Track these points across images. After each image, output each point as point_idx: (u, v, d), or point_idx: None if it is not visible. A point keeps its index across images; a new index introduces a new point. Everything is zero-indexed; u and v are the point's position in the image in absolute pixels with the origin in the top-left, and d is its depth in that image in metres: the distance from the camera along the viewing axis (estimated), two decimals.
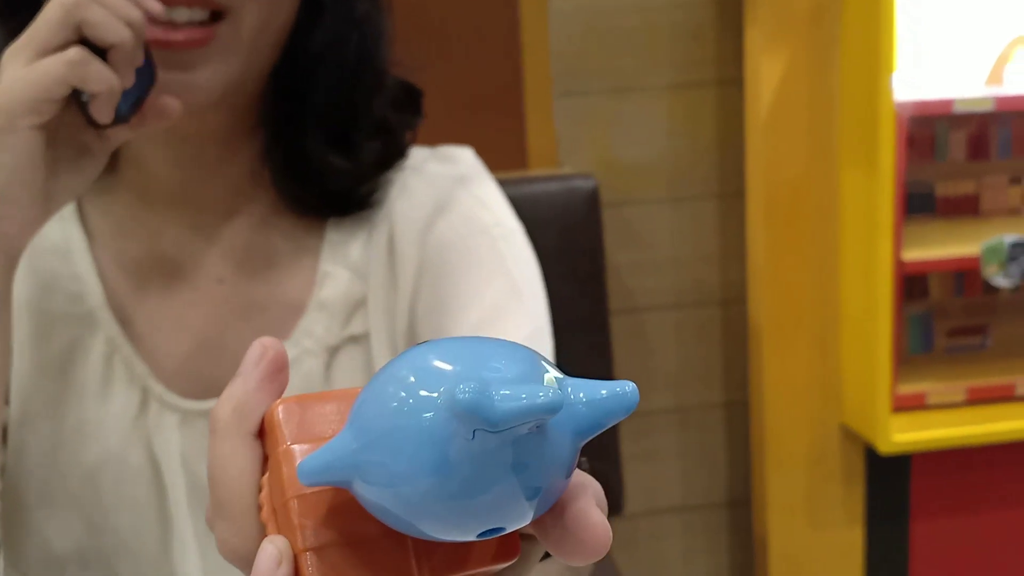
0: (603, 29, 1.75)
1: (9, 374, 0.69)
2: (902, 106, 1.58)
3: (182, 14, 0.61)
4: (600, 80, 1.76)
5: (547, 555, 0.40)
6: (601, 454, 1.53)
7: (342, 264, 0.74)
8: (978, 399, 1.75)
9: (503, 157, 1.70)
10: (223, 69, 0.64)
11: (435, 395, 0.25)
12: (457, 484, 0.25)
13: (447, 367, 0.26)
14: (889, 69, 1.53)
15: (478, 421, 0.24)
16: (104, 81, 0.57)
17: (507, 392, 0.24)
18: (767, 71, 1.66)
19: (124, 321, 0.71)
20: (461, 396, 0.23)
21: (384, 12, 0.74)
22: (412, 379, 0.26)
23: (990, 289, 1.81)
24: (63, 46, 0.57)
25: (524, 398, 0.24)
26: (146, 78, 0.60)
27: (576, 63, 1.75)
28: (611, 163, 1.79)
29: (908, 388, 1.72)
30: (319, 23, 0.69)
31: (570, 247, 1.58)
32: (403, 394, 0.26)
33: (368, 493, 0.27)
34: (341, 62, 0.70)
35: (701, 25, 1.77)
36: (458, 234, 0.75)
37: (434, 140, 0.85)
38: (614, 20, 1.74)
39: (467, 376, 0.25)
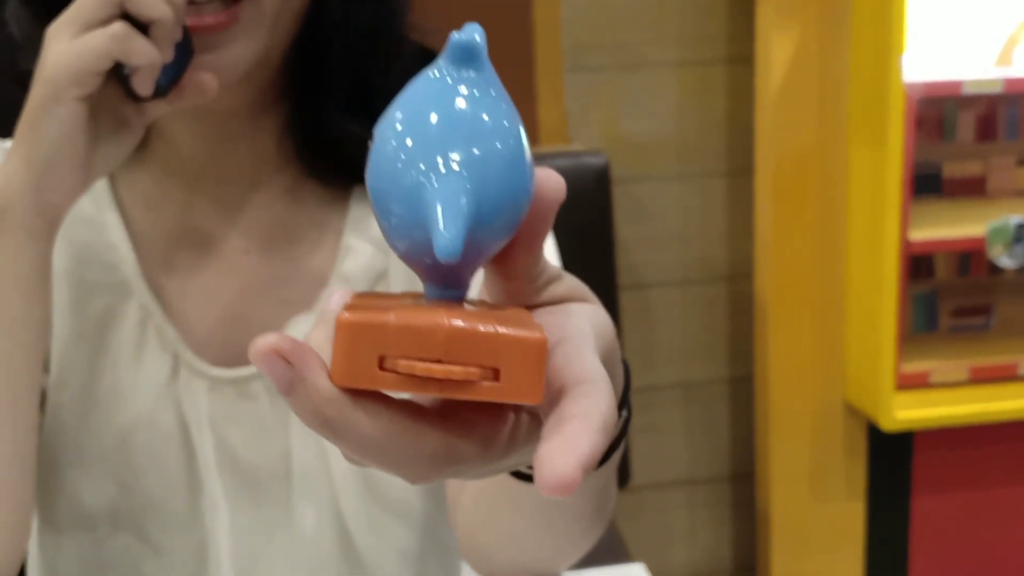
0: (614, 5, 1.75)
1: (50, 339, 0.71)
2: (911, 86, 1.59)
3: None
4: (611, 56, 1.77)
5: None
6: None
7: (364, 237, 0.76)
8: (981, 378, 1.77)
9: None
10: (249, 47, 0.65)
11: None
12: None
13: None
14: (899, 50, 1.54)
15: None
16: (146, 55, 0.59)
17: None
18: (777, 49, 1.67)
19: (156, 290, 0.73)
20: None
21: None
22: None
23: (995, 270, 1.82)
24: (107, 21, 0.58)
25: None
26: (184, 54, 0.62)
27: (587, 39, 1.76)
28: (620, 139, 1.80)
29: (911, 366, 1.74)
30: None
31: (580, 223, 1.59)
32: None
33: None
34: (358, 30, 0.71)
35: (712, 2, 1.77)
36: None
37: None
38: None
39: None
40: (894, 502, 1.86)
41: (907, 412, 1.69)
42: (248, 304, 0.74)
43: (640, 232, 1.83)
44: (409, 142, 0.30)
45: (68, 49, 0.58)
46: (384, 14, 0.72)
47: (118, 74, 0.61)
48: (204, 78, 0.63)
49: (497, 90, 0.32)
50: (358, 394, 0.29)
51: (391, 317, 0.29)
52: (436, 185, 0.30)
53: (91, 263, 0.73)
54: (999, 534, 1.89)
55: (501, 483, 0.51)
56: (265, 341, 0.28)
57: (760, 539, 1.92)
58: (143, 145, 0.73)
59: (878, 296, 1.64)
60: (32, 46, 0.64)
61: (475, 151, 0.30)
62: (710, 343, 1.90)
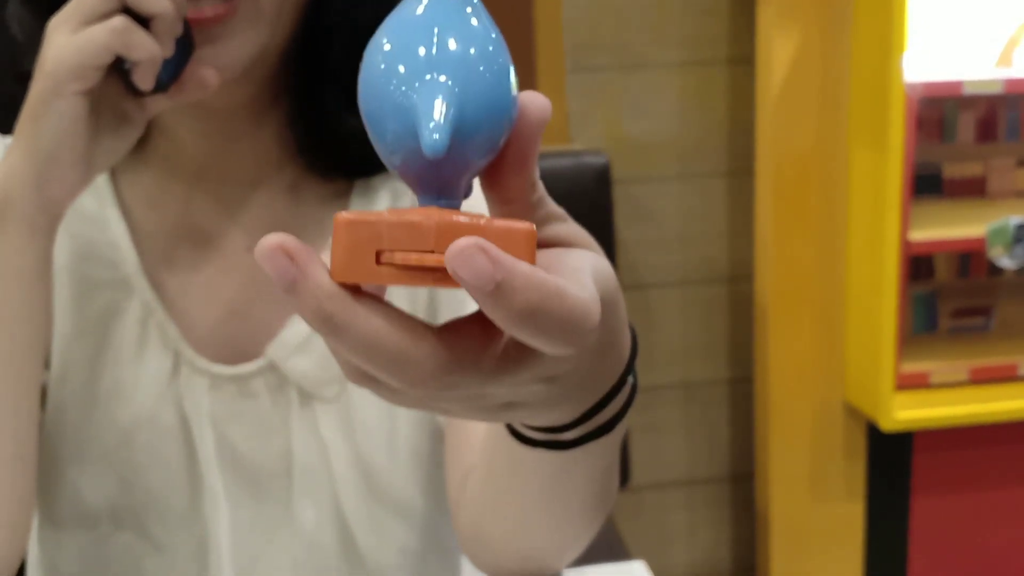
0: (616, 5, 1.75)
1: (51, 335, 0.71)
2: (912, 87, 1.59)
3: None
4: (612, 56, 1.77)
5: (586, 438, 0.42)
6: None
7: None
8: (980, 379, 1.77)
9: None
10: (248, 40, 0.65)
11: None
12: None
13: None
14: (900, 50, 1.54)
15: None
16: (147, 49, 0.59)
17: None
18: (779, 50, 1.67)
19: (157, 287, 0.73)
20: None
21: None
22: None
23: (995, 270, 1.83)
24: (108, 15, 0.58)
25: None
26: (185, 49, 0.62)
27: (588, 39, 1.76)
28: (621, 139, 1.80)
29: (911, 367, 1.74)
30: None
31: (580, 223, 1.59)
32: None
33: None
34: (358, 25, 0.71)
35: (713, 3, 1.77)
36: (477, 199, 0.76)
37: None
38: None
39: None
40: (894, 503, 1.86)
41: (907, 413, 1.69)
42: (249, 302, 0.74)
43: (641, 232, 1.83)
44: (397, 61, 0.33)
45: (69, 43, 0.58)
46: (383, 9, 0.72)
47: (119, 69, 0.61)
48: (205, 73, 0.63)
49: (481, 11, 0.34)
50: (358, 293, 0.30)
51: (385, 215, 0.30)
52: (421, 89, 0.32)
53: (93, 260, 0.73)
54: (999, 535, 1.89)
55: (508, 459, 0.51)
56: (271, 238, 0.29)
57: (759, 540, 1.92)
58: (144, 143, 0.73)
59: (878, 296, 1.64)
60: (33, 45, 0.64)
61: (460, 63, 0.32)
62: (710, 344, 1.90)
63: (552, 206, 0.37)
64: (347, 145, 0.72)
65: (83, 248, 0.73)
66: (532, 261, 0.30)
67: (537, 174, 0.35)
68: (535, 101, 0.34)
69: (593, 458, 0.47)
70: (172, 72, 0.62)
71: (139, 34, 0.58)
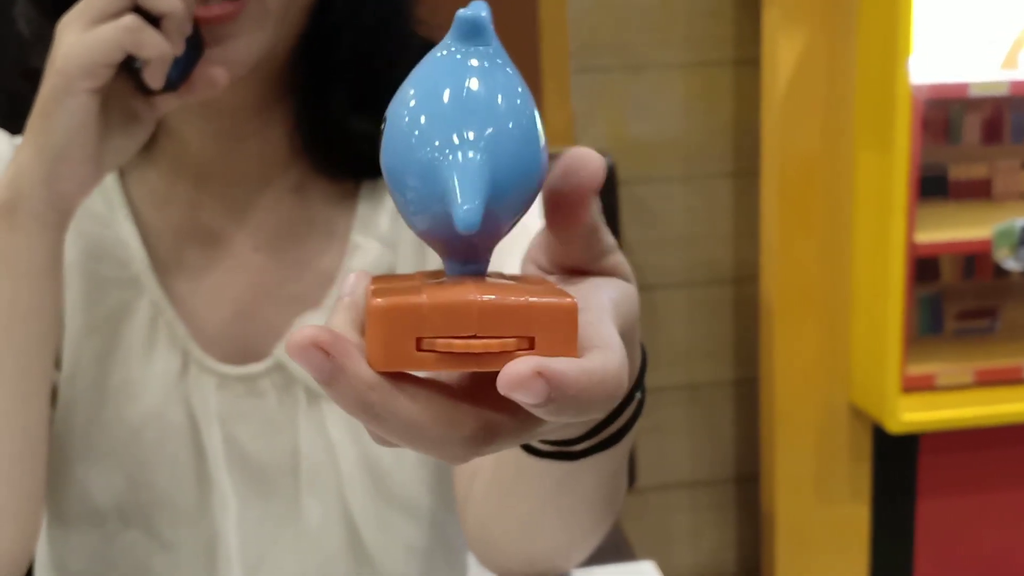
0: (621, 7, 1.75)
1: (62, 333, 0.71)
2: (918, 89, 1.59)
3: None
4: (617, 58, 1.77)
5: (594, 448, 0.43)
6: None
7: (372, 235, 0.76)
8: (986, 381, 1.77)
9: None
10: (256, 39, 0.65)
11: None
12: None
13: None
14: (906, 52, 1.54)
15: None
16: (157, 47, 0.59)
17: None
18: (784, 51, 1.67)
19: (166, 287, 0.73)
20: None
21: None
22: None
23: (1000, 272, 1.82)
24: (118, 13, 0.59)
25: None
26: (194, 48, 0.62)
27: (593, 40, 1.76)
28: (626, 140, 1.80)
29: (917, 369, 1.74)
30: None
31: None
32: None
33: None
34: (364, 24, 0.71)
35: (719, 4, 1.77)
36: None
37: None
38: None
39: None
40: (899, 505, 1.86)
41: (913, 415, 1.69)
42: (256, 302, 0.75)
43: (645, 234, 1.83)
44: (423, 118, 0.31)
45: (80, 41, 0.58)
46: (390, 9, 0.73)
47: (129, 67, 0.61)
48: (214, 72, 0.63)
49: (507, 64, 0.33)
50: (397, 378, 0.29)
51: (423, 298, 0.29)
52: (452, 159, 0.31)
53: (103, 259, 0.73)
54: (1004, 537, 1.89)
55: (515, 465, 0.51)
56: (303, 335, 0.28)
57: (764, 541, 1.91)
58: (152, 143, 0.74)
59: (884, 298, 1.64)
60: (40, 43, 0.64)
61: (489, 125, 0.31)
62: (715, 345, 1.90)
63: (607, 239, 0.38)
64: (354, 145, 0.72)
65: (93, 247, 0.73)
66: (575, 333, 0.30)
67: (596, 217, 0.36)
68: (589, 165, 0.34)
69: (600, 465, 0.47)
70: (182, 71, 0.62)
71: (149, 32, 0.59)
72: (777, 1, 1.66)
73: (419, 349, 0.29)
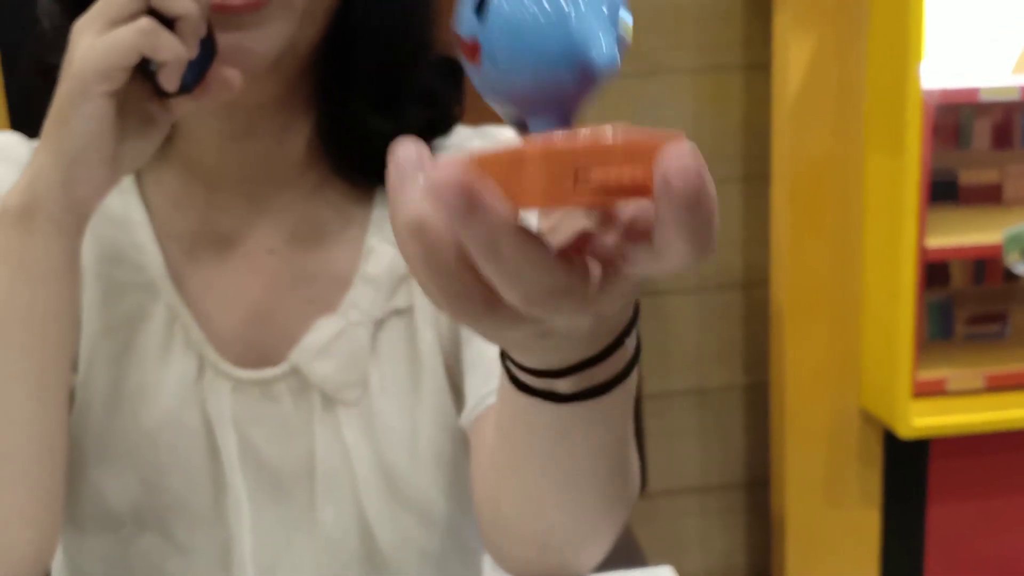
0: (631, 10, 1.76)
1: (79, 338, 0.71)
2: (928, 94, 1.59)
3: None
4: (628, 62, 1.76)
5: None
6: None
7: (388, 240, 0.76)
8: (996, 386, 1.76)
9: None
10: (279, 31, 0.65)
11: None
12: None
13: None
14: (916, 57, 1.54)
15: None
16: (172, 50, 0.59)
17: None
18: (795, 56, 1.67)
19: (182, 290, 0.73)
20: None
21: None
22: None
23: (1010, 277, 1.82)
24: (133, 16, 0.59)
25: None
26: (208, 50, 0.62)
27: None
28: None
29: (927, 374, 1.74)
30: None
31: None
32: None
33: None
34: (383, 27, 0.71)
35: (729, 8, 1.77)
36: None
37: (462, 121, 0.87)
38: (643, 1, 1.75)
39: None
40: (910, 509, 1.86)
41: (923, 420, 1.68)
42: (272, 304, 0.75)
43: None
44: None
45: (96, 44, 0.59)
46: (407, 16, 0.73)
47: (144, 70, 0.62)
48: (229, 74, 0.63)
49: None
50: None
51: (578, 141, 0.32)
52: (583, 9, 0.35)
53: (120, 262, 0.73)
54: (1015, 542, 1.88)
55: (512, 415, 0.52)
56: (445, 174, 0.31)
57: (775, 546, 1.91)
58: (168, 144, 0.74)
59: (894, 303, 1.64)
60: (60, 40, 0.64)
61: None
62: (726, 350, 1.90)
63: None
64: (373, 146, 0.73)
65: (109, 250, 0.73)
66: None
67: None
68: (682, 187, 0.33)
69: (595, 425, 0.48)
70: (196, 73, 0.63)
71: (165, 35, 0.59)
72: (788, 6, 1.66)
73: (575, 184, 0.32)
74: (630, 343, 0.44)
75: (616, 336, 0.43)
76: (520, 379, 0.46)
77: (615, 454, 0.53)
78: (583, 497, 0.55)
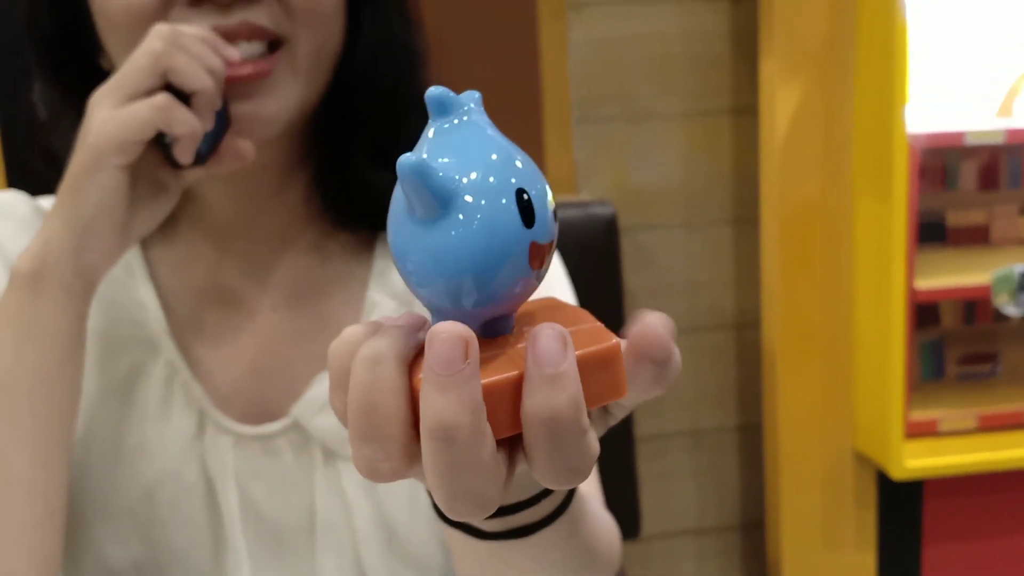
0: (621, 58, 1.78)
1: (79, 402, 0.72)
2: (915, 137, 1.61)
3: (242, 49, 0.65)
4: (618, 108, 1.79)
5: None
6: (617, 476, 1.55)
7: (388, 293, 0.77)
8: (989, 426, 1.77)
9: None
10: (288, 96, 0.66)
11: None
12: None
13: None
14: (902, 101, 1.56)
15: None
16: (188, 124, 0.60)
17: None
18: (782, 100, 1.69)
19: (183, 347, 0.74)
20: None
21: (418, 33, 0.76)
22: None
23: (1000, 317, 1.83)
24: (150, 91, 0.60)
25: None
26: (222, 121, 0.64)
27: (594, 91, 1.78)
28: (628, 189, 1.82)
29: (920, 414, 1.75)
30: (358, 45, 0.72)
31: (589, 273, 1.60)
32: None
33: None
34: (380, 82, 0.72)
35: (718, 55, 1.80)
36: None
37: None
38: (632, 49, 1.77)
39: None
40: (905, 551, 1.85)
41: (916, 461, 1.69)
42: (274, 360, 0.75)
43: (648, 280, 1.84)
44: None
45: (112, 117, 0.60)
46: (403, 68, 0.74)
47: (159, 142, 0.63)
48: (241, 145, 0.64)
49: (493, 131, 0.36)
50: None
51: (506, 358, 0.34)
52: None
53: (119, 320, 0.74)
54: None
55: (450, 540, 0.52)
56: (453, 331, 0.32)
57: None
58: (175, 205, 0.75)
59: (886, 344, 1.65)
60: (58, 126, 0.65)
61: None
62: (718, 391, 1.90)
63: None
64: (372, 200, 0.73)
65: (109, 309, 0.74)
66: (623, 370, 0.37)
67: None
68: (650, 329, 0.38)
69: (533, 554, 0.47)
70: (210, 144, 0.64)
71: (181, 110, 0.60)
72: (775, 51, 1.68)
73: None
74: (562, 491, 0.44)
75: (542, 488, 0.43)
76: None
77: (571, 560, 0.52)
78: None
